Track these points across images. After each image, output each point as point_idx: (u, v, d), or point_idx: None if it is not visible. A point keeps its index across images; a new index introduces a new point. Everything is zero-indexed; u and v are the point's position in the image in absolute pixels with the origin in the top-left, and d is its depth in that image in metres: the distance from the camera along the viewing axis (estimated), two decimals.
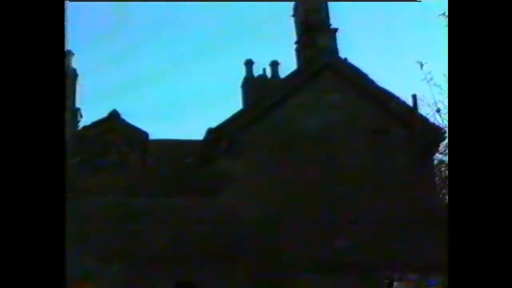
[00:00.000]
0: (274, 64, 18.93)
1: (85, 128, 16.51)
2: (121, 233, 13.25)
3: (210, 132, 15.16)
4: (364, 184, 14.72)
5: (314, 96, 15.46)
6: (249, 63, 18.90)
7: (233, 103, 25.96)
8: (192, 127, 34.52)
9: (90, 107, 27.27)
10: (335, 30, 16.39)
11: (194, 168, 15.85)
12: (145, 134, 16.30)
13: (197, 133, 16.77)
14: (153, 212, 14.01)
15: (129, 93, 39.20)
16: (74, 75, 18.84)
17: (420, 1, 14.85)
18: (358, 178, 14.72)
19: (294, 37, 16.95)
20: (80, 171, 15.73)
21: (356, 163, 14.87)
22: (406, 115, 14.91)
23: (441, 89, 10.62)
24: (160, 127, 34.16)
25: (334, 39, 16.28)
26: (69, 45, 18.66)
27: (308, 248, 13.75)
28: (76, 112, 18.21)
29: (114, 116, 16.40)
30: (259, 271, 13.27)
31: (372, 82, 15.73)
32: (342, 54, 16.20)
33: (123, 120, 16.40)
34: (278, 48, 28.60)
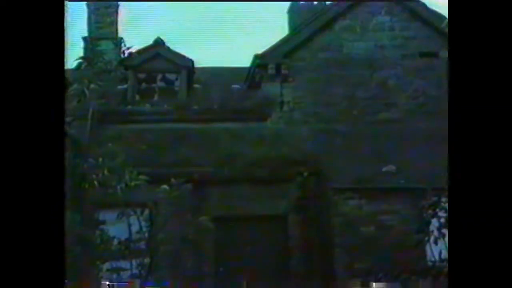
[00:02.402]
0: None
1: (131, 55, 16.44)
2: (171, 156, 13.32)
3: (257, 57, 15.07)
4: (413, 107, 14.54)
5: (362, 18, 15.21)
6: None
7: (280, 29, 25.52)
8: (238, 53, 34.17)
9: (131, 34, 26.94)
10: None
11: (241, 93, 15.80)
12: (190, 61, 16.26)
13: (244, 61, 16.66)
14: (201, 136, 14.07)
15: (169, 20, 38.81)
16: (115, 4, 18.73)
17: None
18: (407, 101, 14.53)
19: None
20: (127, 97, 15.84)
21: (406, 86, 14.67)
22: None
23: None
24: (205, 55, 33.78)
25: None
26: None
27: (356, 172, 13.70)
28: (119, 41, 18.16)
29: (158, 43, 16.36)
30: (306, 195, 13.31)
31: (421, 4, 15.37)
32: None
33: (168, 48, 16.36)
34: None
